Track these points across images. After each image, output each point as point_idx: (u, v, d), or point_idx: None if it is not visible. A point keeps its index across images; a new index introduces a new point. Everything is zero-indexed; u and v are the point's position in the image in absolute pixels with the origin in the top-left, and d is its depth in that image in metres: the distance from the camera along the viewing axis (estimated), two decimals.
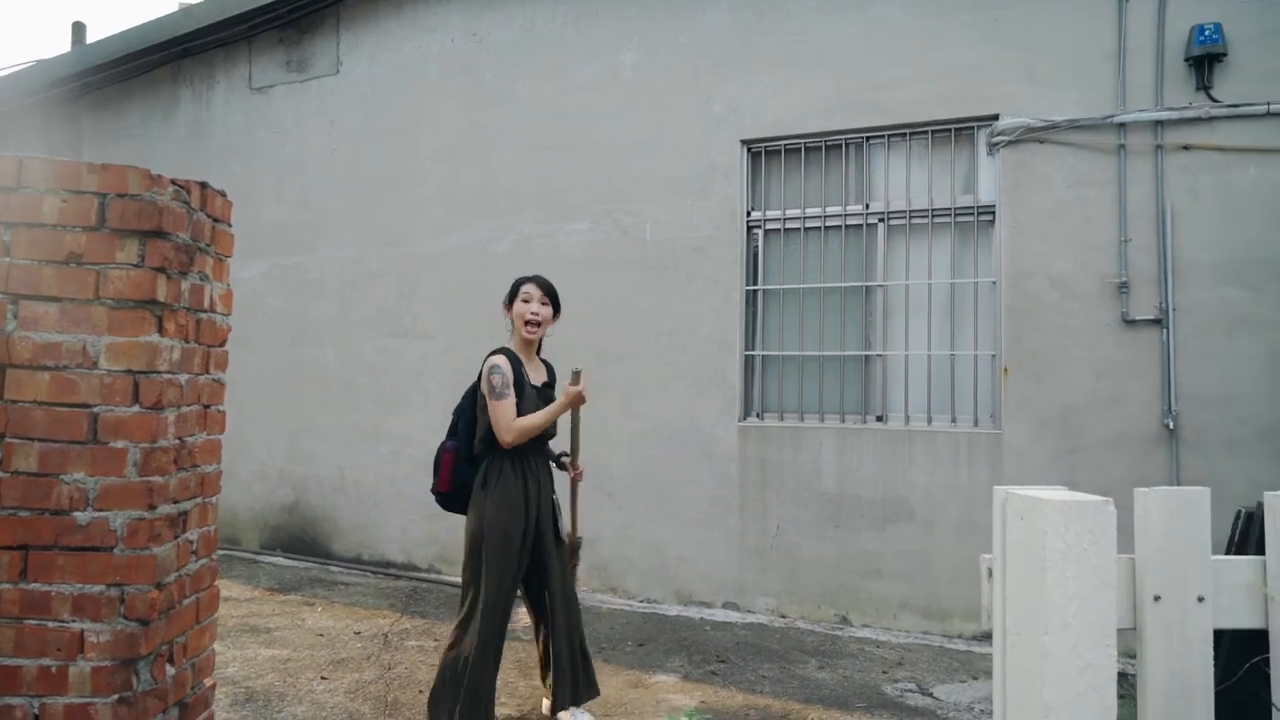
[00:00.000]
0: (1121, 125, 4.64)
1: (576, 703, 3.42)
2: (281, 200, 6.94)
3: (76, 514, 1.87)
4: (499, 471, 3.30)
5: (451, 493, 3.40)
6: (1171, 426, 4.45)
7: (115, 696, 1.85)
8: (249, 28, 7.06)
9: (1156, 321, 4.55)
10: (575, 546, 3.61)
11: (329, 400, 6.68)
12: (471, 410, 3.43)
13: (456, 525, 3.79)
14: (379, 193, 6.59)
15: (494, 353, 3.39)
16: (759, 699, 3.87)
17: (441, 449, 3.44)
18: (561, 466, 3.62)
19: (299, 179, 6.92)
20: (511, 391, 3.24)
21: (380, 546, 6.41)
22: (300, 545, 6.73)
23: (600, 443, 5.74)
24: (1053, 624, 1.75)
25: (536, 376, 3.45)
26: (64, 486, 1.87)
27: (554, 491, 3.50)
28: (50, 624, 1.85)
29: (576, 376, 3.38)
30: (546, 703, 3.54)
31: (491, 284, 6.12)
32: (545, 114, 6.04)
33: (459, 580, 4.39)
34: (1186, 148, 4.54)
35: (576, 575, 3.67)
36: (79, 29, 8.85)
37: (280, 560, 6.64)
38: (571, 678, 3.40)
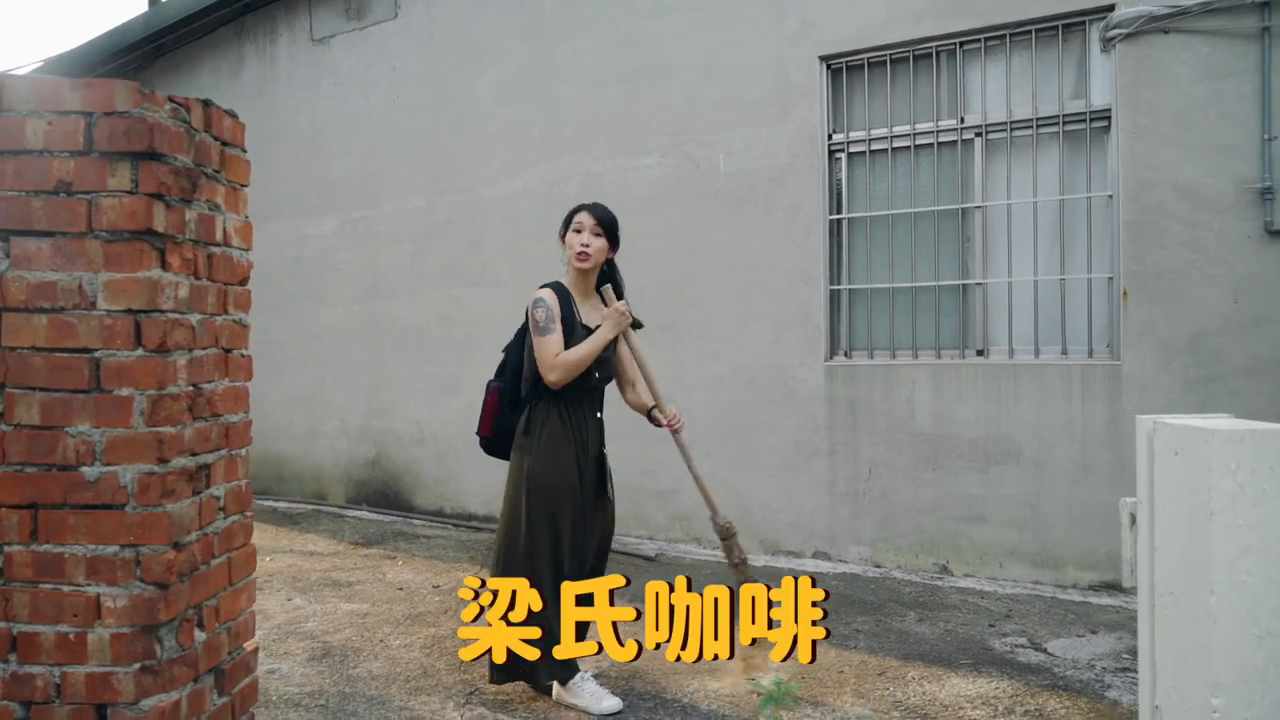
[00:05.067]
0: (1265, 4, 4.01)
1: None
2: (349, 153, 6.82)
3: (84, 469, 1.71)
4: (544, 419, 3.04)
5: (494, 439, 3.21)
6: None
7: (138, 665, 1.70)
8: None
9: None
10: (727, 533, 3.28)
11: (405, 353, 6.61)
12: (519, 349, 3.19)
13: None
14: (443, 139, 6.39)
15: (543, 286, 3.13)
16: (853, 655, 3.60)
17: (488, 389, 3.24)
18: (654, 421, 3.26)
19: (364, 130, 6.78)
20: (558, 326, 2.97)
21: (461, 499, 6.34)
22: (384, 499, 6.73)
23: (677, 387, 5.46)
24: (1221, 582, 1.40)
25: (591, 316, 3.13)
26: (69, 439, 1.71)
27: (603, 446, 3.21)
28: (65, 588, 1.71)
29: (607, 293, 3.06)
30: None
31: (558, 227, 5.87)
32: (609, 43, 5.69)
33: None
34: None
35: (746, 567, 3.31)
36: None
37: (365, 514, 6.66)
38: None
